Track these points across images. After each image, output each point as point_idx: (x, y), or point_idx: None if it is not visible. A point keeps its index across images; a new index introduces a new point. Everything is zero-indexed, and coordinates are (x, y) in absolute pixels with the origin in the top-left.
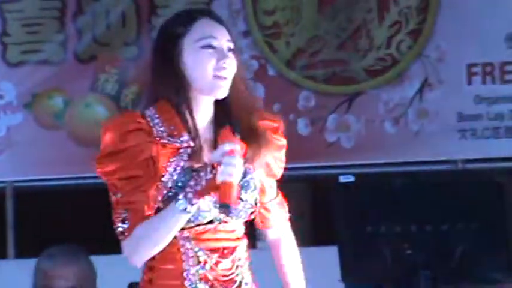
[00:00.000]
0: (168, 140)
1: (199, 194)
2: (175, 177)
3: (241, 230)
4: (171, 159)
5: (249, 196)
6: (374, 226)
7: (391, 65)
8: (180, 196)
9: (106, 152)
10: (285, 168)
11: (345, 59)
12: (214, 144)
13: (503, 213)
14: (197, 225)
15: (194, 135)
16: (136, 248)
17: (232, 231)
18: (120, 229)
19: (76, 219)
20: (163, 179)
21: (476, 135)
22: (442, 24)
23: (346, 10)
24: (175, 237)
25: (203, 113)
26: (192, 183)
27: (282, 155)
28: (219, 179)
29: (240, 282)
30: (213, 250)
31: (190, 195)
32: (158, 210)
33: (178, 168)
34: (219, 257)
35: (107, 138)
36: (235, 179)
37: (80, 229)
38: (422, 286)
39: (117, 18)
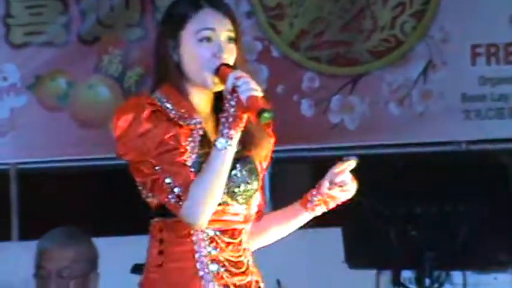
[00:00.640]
0: (183, 121)
1: (234, 125)
2: (193, 157)
3: (243, 214)
4: (188, 139)
5: (253, 181)
6: (378, 207)
7: (395, 46)
8: (218, 137)
9: (133, 135)
10: (289, 150)
11: (348, 40)
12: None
13: (507, 194)
14: None
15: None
16: (199, 206)
17: (237, 214)
18: (173, 199)
19: (80, 201)
20: (184, 157)
21: (480, 116)
22: (446, 5)
23: None
24: None
25: (203, 100)
26: (222, 119)
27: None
28: (245, 97)
29: (248, 264)
30: (222, 231)
31: (226, 131)
32: None
33: (196, 148)
34: (229, 238)
35: (128, 121)
36: (258, 90)
37: (84, 211)
38: (426, 267)
39: (121, 0)
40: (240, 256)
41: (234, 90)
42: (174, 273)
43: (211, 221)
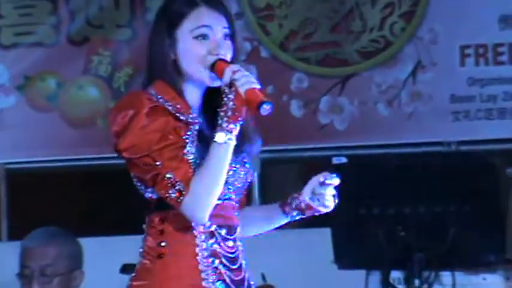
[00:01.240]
0: (181, 116)
1: (234, 118)
2: (193, 151)
3: (238, 209)
4: (188, 133)
5: (248, 177)
6: (367, 208)
7: (384, 47)
8: (217, 131)
9: (133, 130)
10: (279, 150)
11: (338, 41)
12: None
13: (496, 195)
14: None
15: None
16: (200, 200)
17: (234, 209)
18: (174, 194)
19: (69, 200)
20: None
21: (469, 117)
22: (435, 6)
23: None
24: None
25: (194, 97)
26: (221, 113)
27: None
28: (243, 90)
29: (241, 261)
30: (221, 226)
31: (225, 124)
32: None
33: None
34: (227, 233)
35: (128, 116)
36: (256, 82)
37: (73, 211)
38: (415, 268)
39: (110, 0)
40: (235, 252)
41: (231, 84)
42: (173, 265)
43: (213, 216)
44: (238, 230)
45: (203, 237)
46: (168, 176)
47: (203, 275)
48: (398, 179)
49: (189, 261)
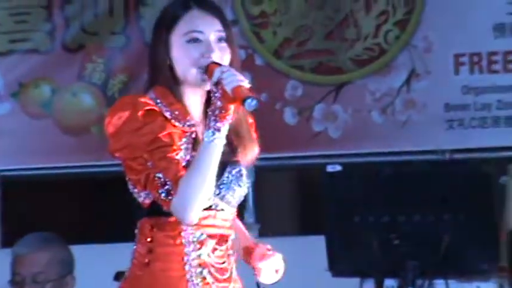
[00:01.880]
0: (177, 122)
1: (221, 117)
2: (187, 158)
3: (231, 220)
4: (183, 139)
5: (242, 185)
6: (361, 216)
7: (378, 55)
8: (205, 130)
9: (127, 131)
10: (273, 158)
11: (332, 48)
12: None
13: (490, 204)
14: None
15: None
16: (188, 200)
17: (226, 220)
18: (163, 194)
19: (64, 207)
20: (177, 156)
21: (464, 125)
22: (429, 14)
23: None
24: (177, 221)
25: (195, 104)
26: (209, 113)
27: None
28: (230, 88)
29: (231, 272)
30: (211, 236)
31: (212, 123)
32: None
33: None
34: (216, 243)
35: (123, 118)
36: (245, 81)
37: (67, 218)
38: (409, 276)
39: (105, 7)
40: (224, 262)
41: (218, 82)
42: (161, 274)
43: (202, 225)
44: (230, 240)
45: (192, 246)
46: (158, 175)
47: (190, 285)
48: (392, 187)
49: (177, 270)
